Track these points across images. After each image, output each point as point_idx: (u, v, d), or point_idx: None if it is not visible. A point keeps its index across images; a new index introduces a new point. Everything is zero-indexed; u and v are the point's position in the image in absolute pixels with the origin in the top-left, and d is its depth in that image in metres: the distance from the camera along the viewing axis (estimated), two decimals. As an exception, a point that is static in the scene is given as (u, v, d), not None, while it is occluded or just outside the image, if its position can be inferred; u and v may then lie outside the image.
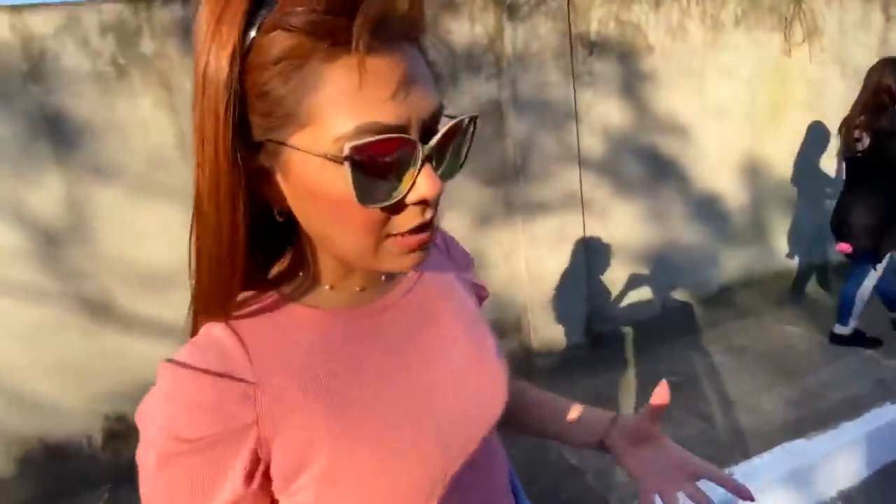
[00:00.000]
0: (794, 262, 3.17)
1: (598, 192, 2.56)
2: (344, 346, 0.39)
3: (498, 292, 2.39)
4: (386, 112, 0.30)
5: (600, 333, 2.68)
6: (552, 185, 2.43)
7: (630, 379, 2.47)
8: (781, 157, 2.97)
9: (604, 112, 2.51)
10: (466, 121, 0.35)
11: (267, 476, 0.36)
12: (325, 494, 0.37)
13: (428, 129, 0.32)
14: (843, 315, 2.51)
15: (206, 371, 0.34)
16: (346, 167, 0.29)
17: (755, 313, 2.95)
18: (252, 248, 0.35)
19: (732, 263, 2.96)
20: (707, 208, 2.83)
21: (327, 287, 0.40)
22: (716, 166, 2.80)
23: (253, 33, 0.29)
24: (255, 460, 0.35)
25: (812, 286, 3.25)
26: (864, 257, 2.36)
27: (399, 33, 0.31)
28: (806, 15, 2.81)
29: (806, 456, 1.79)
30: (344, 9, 0.27)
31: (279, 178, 0.34)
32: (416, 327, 0.44)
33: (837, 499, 1.80)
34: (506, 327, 2.49)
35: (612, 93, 2.52)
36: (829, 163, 3.03)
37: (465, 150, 0.37)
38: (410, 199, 0.33)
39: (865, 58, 2.75)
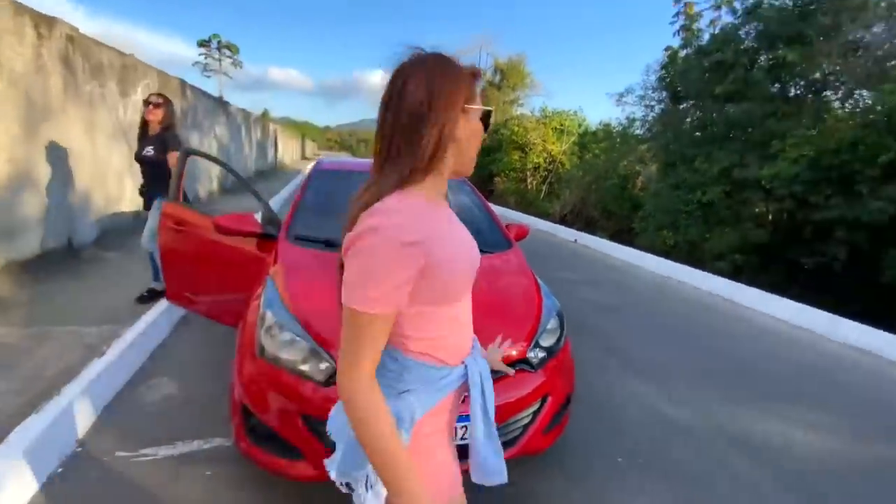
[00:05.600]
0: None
1: None
2: (436, 214, 0.88)
3: None
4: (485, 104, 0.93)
5: None
6: None
7: None
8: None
9: None
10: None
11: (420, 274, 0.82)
12: (437, 271, 0.83)
13: None
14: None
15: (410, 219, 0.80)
16: (479, 121, 0.90)
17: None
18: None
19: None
20: None
21: (434, 192, 0.91)
22: None
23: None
24: (420, 269, 0.81)
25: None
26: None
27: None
28: None
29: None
30: (482, 95, 0.92)
31: (462, 123, 0.87)
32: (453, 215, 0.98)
33: None
34: None
35: None
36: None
37: None
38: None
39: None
